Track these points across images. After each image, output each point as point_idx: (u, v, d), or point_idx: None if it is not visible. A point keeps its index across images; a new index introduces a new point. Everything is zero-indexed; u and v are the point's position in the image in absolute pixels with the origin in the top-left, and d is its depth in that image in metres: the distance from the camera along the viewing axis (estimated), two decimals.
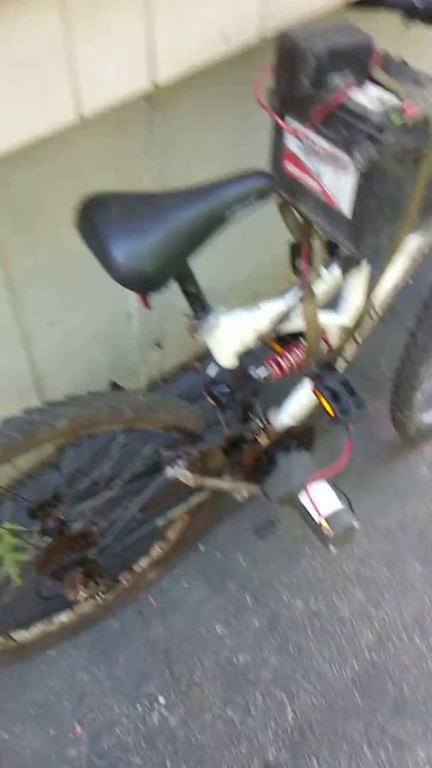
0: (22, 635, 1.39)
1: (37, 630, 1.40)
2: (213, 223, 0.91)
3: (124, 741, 1.37)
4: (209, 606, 1.56)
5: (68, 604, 1.42)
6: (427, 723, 1.44)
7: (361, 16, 1.24)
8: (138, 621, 1.52)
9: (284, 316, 1.17)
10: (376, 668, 1.51)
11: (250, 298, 1.16)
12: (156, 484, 1.19)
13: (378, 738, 1.41)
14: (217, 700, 1.43)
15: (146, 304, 0.96)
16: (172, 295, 1.25)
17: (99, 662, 1.46)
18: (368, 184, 0.94)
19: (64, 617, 1.43)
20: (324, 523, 1.21)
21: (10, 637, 1.37)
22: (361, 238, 1.01)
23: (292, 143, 1.06)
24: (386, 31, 1.31)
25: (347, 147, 0.93)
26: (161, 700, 1.43)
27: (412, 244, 1.27)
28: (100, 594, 1.32)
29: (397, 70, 1.02)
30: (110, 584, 1.29)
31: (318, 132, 0.98)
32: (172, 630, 1.52)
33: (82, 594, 1.21)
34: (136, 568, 1.47)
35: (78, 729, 1.38)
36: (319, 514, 1.22)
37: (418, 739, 1.42)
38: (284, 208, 1.15)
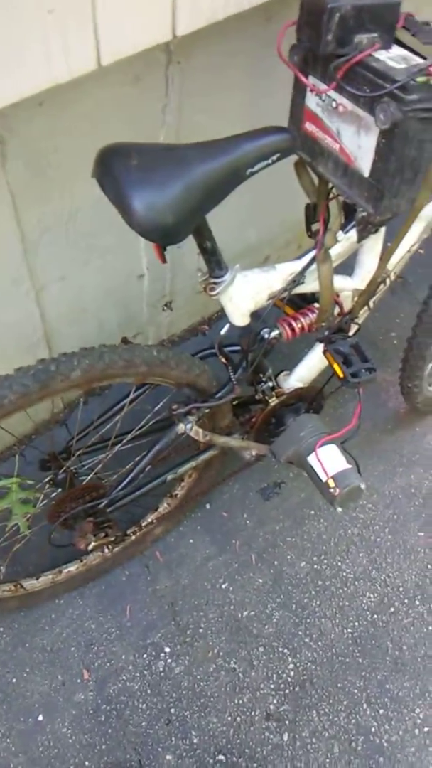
0: (31, 583, 1.43)
1: (46, 579, 1.45)
2: (232, 178, 0.91)
3: (129, 687, 1.42)
4: (214, 563, 1.60)
5: (77, 555, 1.46)
6: (425, 683, 1.48)
7: None
8: (144, 574, 1.57)
9: (299, 278, 1.18)
10: (376, 628, 1.55)
11: (262, 262, 1.17)
12: (167, 439, 1.22)
13: (377, 695, 1.46)
14: (221, 652, 1.48)
15: (163, 258, 0.98)
16: (183, 256, 1.26)
17: (106, 612, 1.51)
18: (389, 144, 0.94)
19: (72, 568, 1.47)
20: (331, 482, 1.24)
21: (21, 585, 1.42)
22: (380, 200, 1.01)
23: (312, 102, 1.05)
24: None
25: (369, 106, 0.93)
26: (166, 649, 1.47)
27: (428, 210, 1.27)
28: (109, 546, 1.35)
29: (422, 31, 1.01)
30: (119, 536, 1.32)
31: (340, 90, 0.97)
32: (178, 584, 1.56)
33: (92, 544, 1.24)
34: (144, 522, 1.51)
35: (85, 675, 1.43)
36: (326, 473, 1.24)
37: (415, 698, 1.46)
38: (300, 168, 1.15)
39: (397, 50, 0.96)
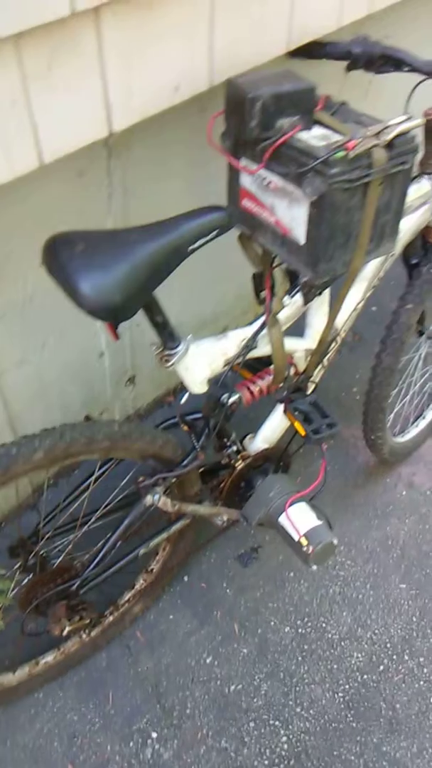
0: (7, 678, 1.38)
1: (23, 673, 1.39)
2: (175, 256, 0.96)
3: None
4: (197, 637, 1.56)
5: (54, 644, 1.42)
6: (422, 741, 1.44)
7: (305, 64, 1.35)
8: (125, 656, 1.52)
9: (251, 343, 1.22)
10: (367, 689, 1.51)
11: (220, 333, 1.21)
12: (135, 512, 1.22)
13: (374, 759, 1.41)
14: (211, 731, 1.43)
15: (115, 336, 1.01)
16: (142, 331, 1.30)
17: (88, 701, 1.45)
18: (319, 213, 1.01)
19: (49, 657, 1.42)
20: (303, 540, 1.24)
21: None
22: (317, 264, 1.07)
23: (246, 181, 1.13)
24: (329, 77, 1.42)
25: (297, 181, 1.01)
26: (153, 734, 1.41)
27: (368, 269, 1.34)
28: (86, 630, 1.32)
29: (340, 111, 1.10)
30: (95, 619, 1.29)
31: (270, 169, 1.05)
32: (160, 663, 1.51)
33: (67, 628, 1.21)
34: (121, 601, 1.48)
35: None
36: (298, 532, 1.25)
37: (413, 757, 1.42)
38: (244, 240, 1.22)
39: (317, 130, 1.05)
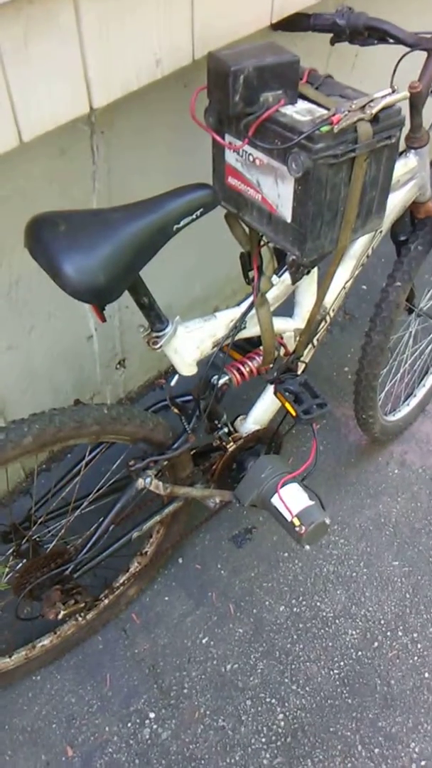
0: (4, 662, 1.38)
1: (19, 656, 1.40)
2: (159, 236, 0.95)
3: (117, 759, 1.37)
4: (192, 618, 1.57)
5: (50, 627, 1.42)
6: (417, 716, 1.46)
7: (290, 37, 1.33)
8: (122, 638, 1.53)
9: (240, 323, 1.21)
10: (362, 666, 1.53)
11: (211, 314, 1.20)
12: (127, 496, 1.21)
13: (370, 734, 1.43)
14: (208, 711, 1.44)
15: (102, 318, 1.00)
16: (131, 313, 1.28)
17: (85, 683, 1.46)
18: (305, 190, 1.00)
19: (46, 641, 1.43)
20: (296, 521, 1.24)
21: None
22: (304, 243, 1.06)
23: (231, 158, 1.11)
24: (315, 49, 1.40)
25: (282, 157, 0.99)
26: (151, 715, 1.42)
27: (356, 247, 1.33)
28: (81, 613, 1.32)
29: (325, 84, 1.09)
30: (90, 602, 1.29)
31: (254, 145, 1.03)
32: (157, 644, 1.52)
33: (62, 612, 1.21)
34: (116, 584, 1.48)
35: (69, 752, 1.37)
36: (290, 512, 1.25)
37: (409, 732, 1.44)
38: (231, 219, 1.20)
39: (302, 104, 1.03)
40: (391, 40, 1.19)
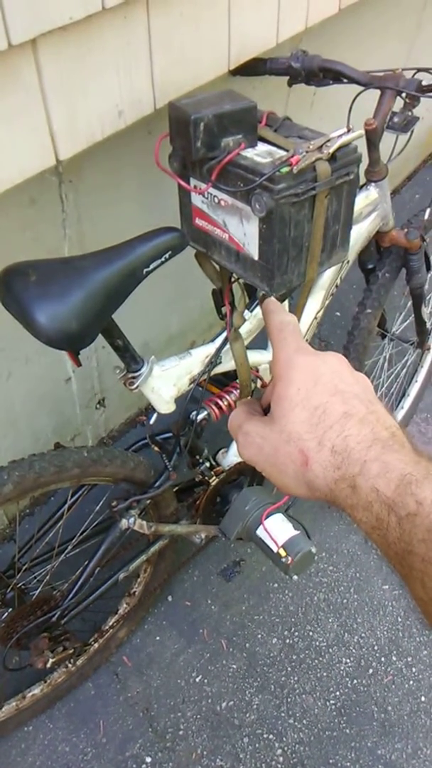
0: None
1: (10, 707, 1.37)
2: (129, 280, 0.97)
3: None
4: (185, 656, 1.55)
5: (40, 676, 1.40)
6: (416, 741, 1.45)
7: (249, 81, 1.37)
8: (114, 683, 1.50)
9: (215, 359, 1.23)
10: (358, 694, 1.52)
11: (188, 348, 1.22)
12: (112, 537, 1.21)
13: (370, 763, 1.41)
14: (205, 751, 1.42)
15: (77, 362, 1.01)
16: (108, 353, 1.29)
17: (79, 731, 1.43)
18: (270, 228, 1.03)
19: (36, 690, 1.40)
20: (282, 552, 1.24)
21: None
22: (272, 278, 1.09)
23: (198, 200, 1.14)
24: (274, 92, 1.45)
25: (246, 198, 1.02)
26: (147, 759, 1.40)
27: (324, 279, 1.36)
28: (71, 659, 1.31)
29: (283, 126, 1.12)
30: (80, 647, 1.28)
31: (218, 188, 1.06)
32: (150, 686, 1.50)
33: (51, 660, 1.20)
34: (105, 627, 1.46)
35: None
36: (276, 543, 1.25)
37: (409, 758, 1.42)
38: (201, 258, 1.22)
39: (262, 147, 1.07)
40: (345, 80, 1.24)
